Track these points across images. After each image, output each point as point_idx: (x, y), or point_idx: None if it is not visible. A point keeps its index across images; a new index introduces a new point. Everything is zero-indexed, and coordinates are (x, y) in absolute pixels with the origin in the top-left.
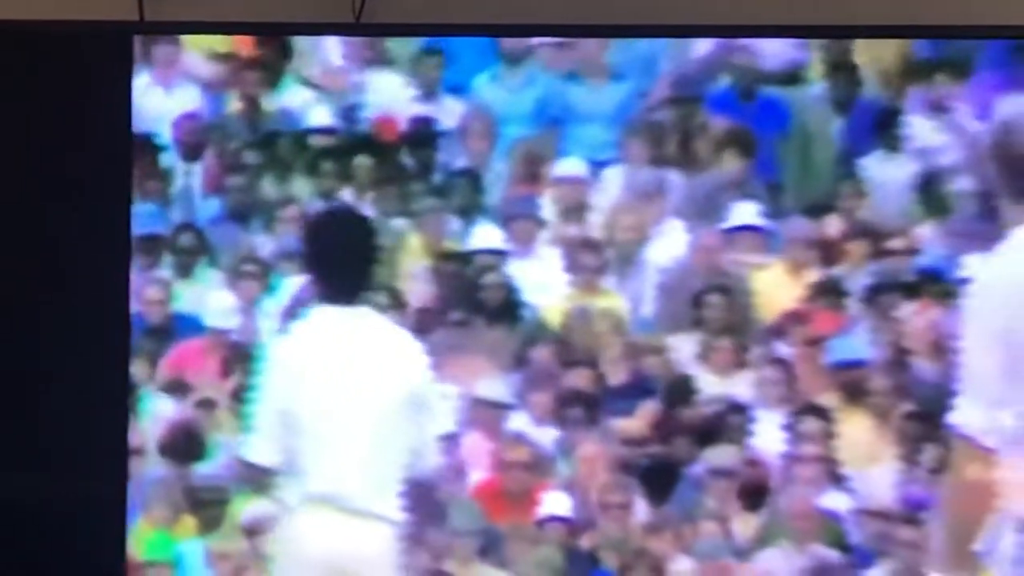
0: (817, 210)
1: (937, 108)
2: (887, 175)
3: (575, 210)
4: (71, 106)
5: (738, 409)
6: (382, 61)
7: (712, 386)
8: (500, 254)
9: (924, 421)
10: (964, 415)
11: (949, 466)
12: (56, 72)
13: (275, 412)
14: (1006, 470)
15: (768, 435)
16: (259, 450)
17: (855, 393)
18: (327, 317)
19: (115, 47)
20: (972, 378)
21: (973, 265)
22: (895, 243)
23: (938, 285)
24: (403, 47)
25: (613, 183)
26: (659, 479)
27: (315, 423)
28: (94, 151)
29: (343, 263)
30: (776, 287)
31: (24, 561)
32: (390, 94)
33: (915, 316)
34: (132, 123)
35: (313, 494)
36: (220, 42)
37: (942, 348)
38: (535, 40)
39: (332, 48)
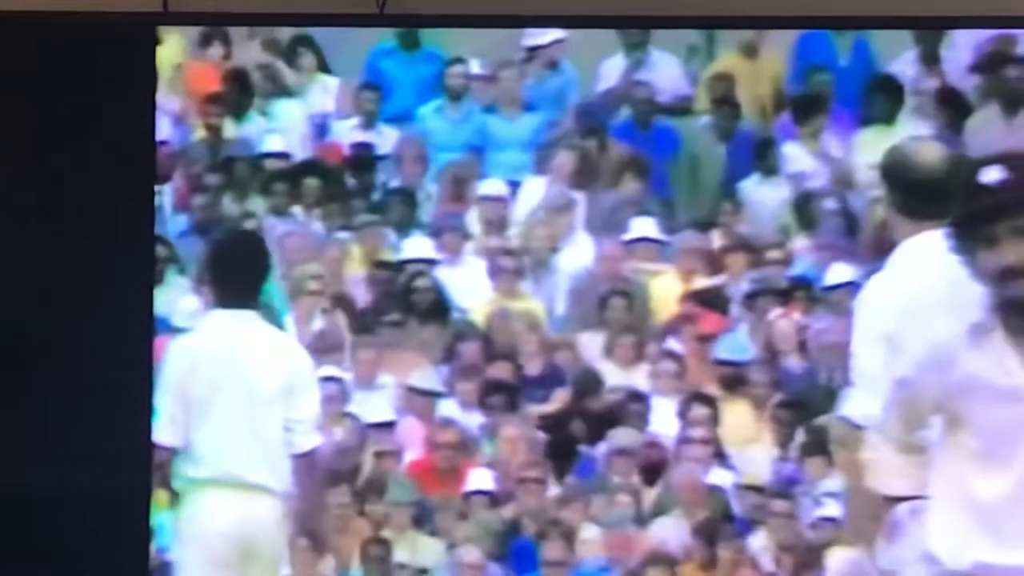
0: (704, 225)
1: (807, 137)
2: (763, 195)
3: (496, 224)
4: (95, 95)
5: (638, 397)
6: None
7: (615, 377)
8: (430, 263)
9: (794, 409)
10: (854, 406)
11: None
12: (80, 62)
13: (176, 399)
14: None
15: (663, 420)
16: (163, 432)
17: (736, 384)
18: (220, 319)
19: (139, 37)
20: (861, 374)
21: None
22: (770, 254)
23: (807, 291)
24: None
25: (529, 201)
26: (565, 457)
27: (207, 408)
28: (118, 138)
29: (237, 276)
30: (669, 291)
31: (46, 550)
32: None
33: (781, 319)
34: (156, 111)
35: (208, 472)
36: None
37: (806, 347)
38: (473, 72)
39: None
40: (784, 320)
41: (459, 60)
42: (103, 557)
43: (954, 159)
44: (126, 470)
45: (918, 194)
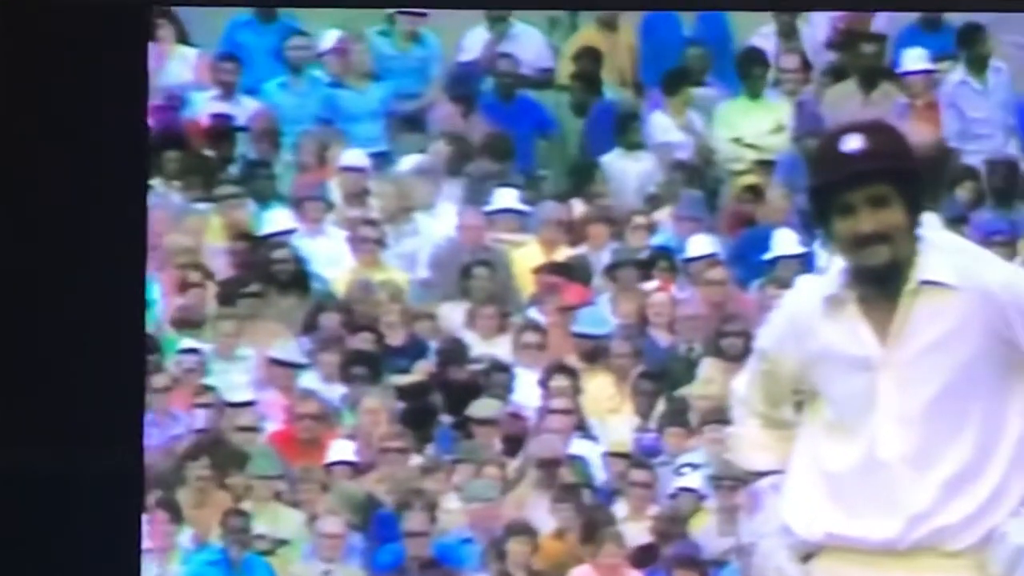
0: (566, 196)
1: (675, 109)
2: (626, 167)
3: (357, 195)
4: (88, 77)
5: (500, 368)
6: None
7: (478, 347)
8: (290, 233)
9: (656, 380)
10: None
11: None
12: (75, 44)
13: None
14: None
15: (526, 391)
16: None
17: (598, 356)
18: None
19: (133, 20)
20: None
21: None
22: (632, 225)
23: (668, 262)
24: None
25: (391, 171)
26: (425, 427)
27: None
28: (110, 120)
29: None
30: (532, 262)
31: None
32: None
33: (658, 293)
34: (149, 93)
35: None
36: None
37: (673, 320)
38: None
39: None
40: (660, 294)
41: (300, 32)
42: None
43: None
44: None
45: None
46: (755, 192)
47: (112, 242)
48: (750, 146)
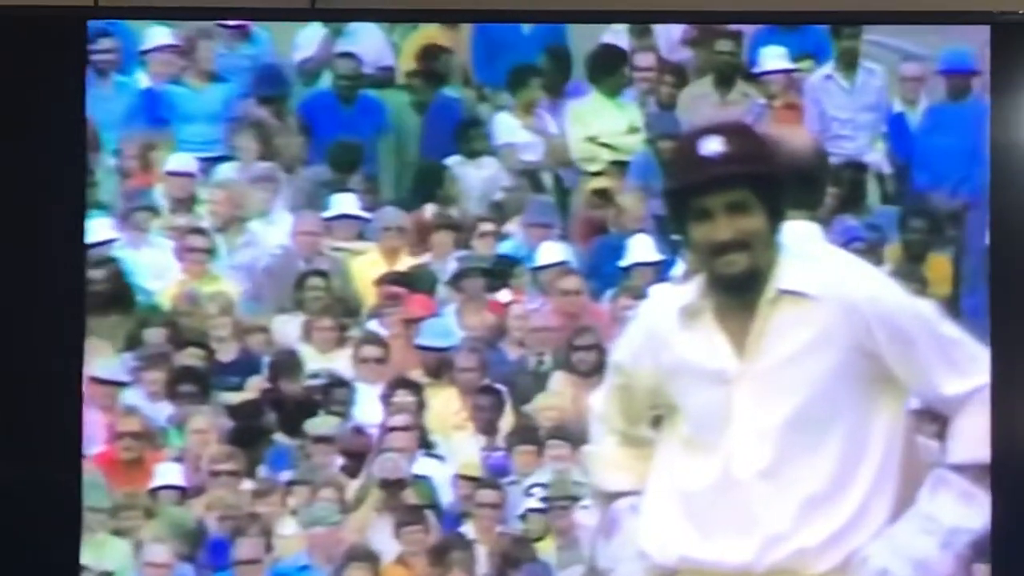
0: (409, 202)
1: (525, 112)
2: (470, 171)
3: (185, 201)
4: (24, 89)
5: (340, 383)
6: None
7: (315, 362)
8: (112, 244)
9: (502, 396)
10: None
11: None
12: (9, 56)
13: None
14: None
15: (367, 407)
16: None
17: (443, 369)
18: None
19: (69, 32)
20: None
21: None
22: (478, 233)
23: (516, 270)
24: None
25: (222, 176)
26: (257, 447)
27: None
28: (46, 132)
29: None
30: (372, 271)
31: None
32: None
33: (514, 304)
34: (87, 104)
35: None
36: None
37: (524, 333)
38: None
39: None
40: (516, 306)
41: (105, 34)
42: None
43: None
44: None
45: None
46: (606, 196)
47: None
48: (606, 145)
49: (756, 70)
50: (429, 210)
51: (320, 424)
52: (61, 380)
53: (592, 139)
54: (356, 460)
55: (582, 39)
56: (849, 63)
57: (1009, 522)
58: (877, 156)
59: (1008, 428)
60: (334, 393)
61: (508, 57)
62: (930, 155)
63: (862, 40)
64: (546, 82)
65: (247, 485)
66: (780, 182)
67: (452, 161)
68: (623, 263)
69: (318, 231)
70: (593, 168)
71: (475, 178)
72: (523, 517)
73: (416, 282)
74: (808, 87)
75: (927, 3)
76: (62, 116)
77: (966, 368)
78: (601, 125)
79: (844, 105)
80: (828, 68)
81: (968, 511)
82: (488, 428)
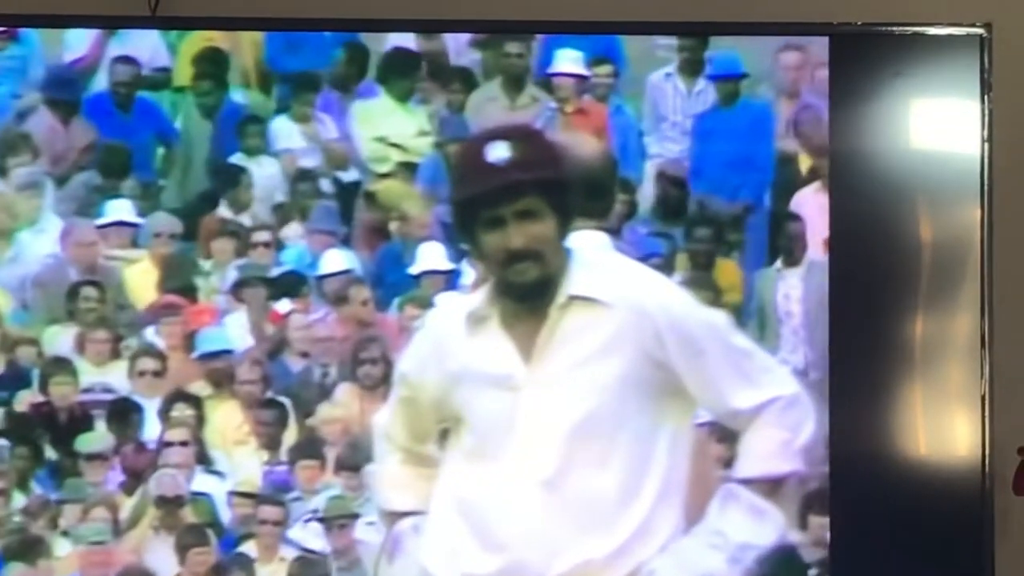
0: (188, 208)
1: (301, 118)
2: (256, 176)
3: None
4: None
5: (117, 399)
6: None
7: (89, 376)
8: None
9: (285, 409)
10: None
11: None
12: None
13: None
14: None
15: (145, 422)
16: None
17: (224, 381)
18: None
19: None
20: None
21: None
22: (258, 239)
23: (298, 279)
24: None
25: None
26: (26, 465)
27: None
28: None
29: None
30: (147, 279)
31: None
32: None
33: (296, 314)
34: None
35: None
36: None
37: (304, 344)
38: None
39: None
40: (298, 315)
41: None
42: None
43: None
44: None
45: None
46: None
47: None
48: (395, 146)
49: (549, 71)
50: (217, 214)
51: (91, 440)
52: None
53: (382, 139)
54: (133, 476)
55: (377, 40)
56: (692, 71)
57: (845, 539)
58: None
59: (843, 442)
60: (110, 407)
61: (305, 56)
62: (706, 161)
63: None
64: (336, 81)
65: (17, 503)
66: (569, 188)
67: (238, 160)
68: (413, 271)
69: (95, 240)
70: (382, 169)
71: (258, 180)
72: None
73: (193, 291)
74: (648, 84)
75: (768, 12)
76: None
77: (757, 380)
78: (390, 127)
79: (677, 109)
80: (671, 67)
81: (757, 526)
82: (271, 443)
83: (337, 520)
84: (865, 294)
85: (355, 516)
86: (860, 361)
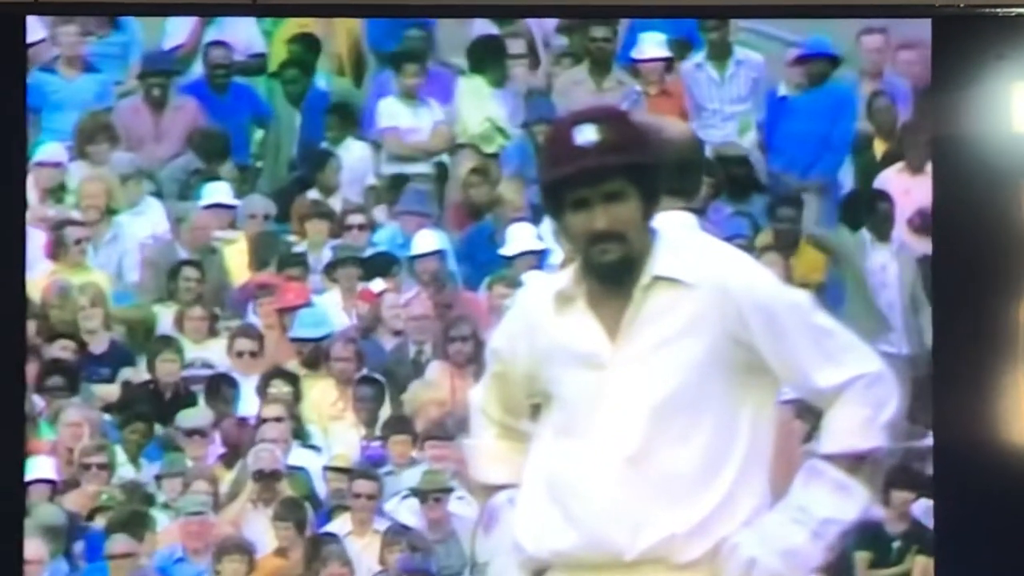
0: (283, 190)
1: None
2: (347, 162)
3: (54, 192)
4: None
5: (215, 375)
6: None
7: (190, 352)
8: None
9: (380, 385)
10: None
11: None
12: None
13: None
14: None
15: (243, 398)
16: None
17: (318, 360)
18: None
19: (8, 27)
20: None
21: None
22: (353, 221)
23: (390, 259)
24: None
25: (85, 167)
26: (135, 440)
27: None
28: None
29: None
30: (242, 260)
31: None
32: None
33: (388, 293)
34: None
35: None
36: None
37: (398, 322)
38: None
39: None
40: (391, 294)
41: None
42: None
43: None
44: None
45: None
46: (484, 175)
47: None
48: (500, 130)
49: (633, 56)
50: (307, 197)
51: (192, 416)
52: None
53: (490, 120)
54: (235, 452)
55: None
56: (720, 54)
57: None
58: (748, 145)
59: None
60: (209, 383)
61: (394, 39)
62: (787, 140)
63: (733, 31)
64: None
65: (121, 477)
66: (656, 171)
67: (333, 147)
68: (507, 251)
69: (193, 221)
70: (489, 149)
71: (351, 168)
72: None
73: (290, 270)
74: (682, 73)
75: None
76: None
77: (840, 359)
78: (493, 108)
79: (712, 96)
80: (699, 57)
81: (841, 502)
82: (368, 419)
83: (432, 494)
84: (968, 278)
85: (449, 490)
86: (964, 345)
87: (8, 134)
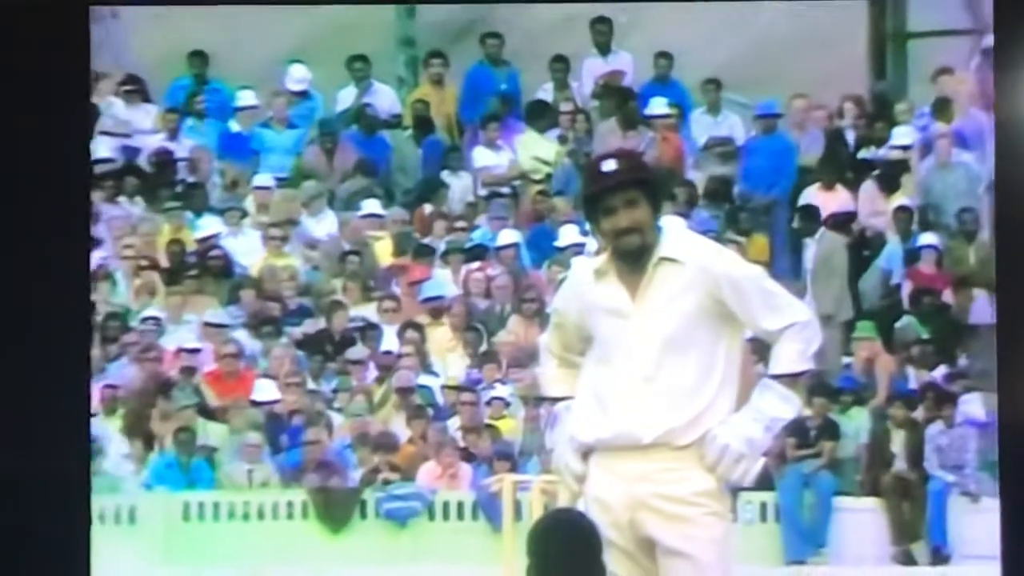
0: (413, 203)
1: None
2: (453, 183)
3: (265, 206)
4: (28, 76)
5: (370, 325)
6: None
7: (352, 311)
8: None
9: (478, 331)
10: None
11: None
12: (12, 43)
13: None
14: None
15: (388, 341)
16: None
17: (439, 313)
18: None
19: (71, 17)
20: None
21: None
22: (459, 224)
23: (483, 249)
24: None
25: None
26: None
27: None
28: (51, 121)
29: None
30: (386, 250)
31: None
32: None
33: (475, 272)
34: (90, 92)
35: None
36: None
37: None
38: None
39: None
40: (478, 272)
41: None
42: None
43: None
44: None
45: None
46: (546, 195)
47: (60, 261)
48: (545, 163)
49: (645, 113)
50: (427, 208)
51: (356, 351)
52: (71, 384)
53: (537, 159)
54: (383, 374)
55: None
56: (716, 110)
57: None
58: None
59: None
60: (367, 332)
61: (485, 101)
62: (752, 170)
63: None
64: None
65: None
66: (658, 186)
67: (444, 174)
68: (559, 243)
69: (355, 225)
70: (538, 176)
71: (455, 187)
72: (488, 403)
73: (418, 256)
74: (690, 119)
75: None
76: (65, 103)
77: (782, 311)
78: (541, 151)
79: (706, 132)
80: (703, 109)
81: (784, 406)
82: (473, 353)
83: (529, 399)
84: None
85: (540, 400)
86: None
87: (73, 118)
